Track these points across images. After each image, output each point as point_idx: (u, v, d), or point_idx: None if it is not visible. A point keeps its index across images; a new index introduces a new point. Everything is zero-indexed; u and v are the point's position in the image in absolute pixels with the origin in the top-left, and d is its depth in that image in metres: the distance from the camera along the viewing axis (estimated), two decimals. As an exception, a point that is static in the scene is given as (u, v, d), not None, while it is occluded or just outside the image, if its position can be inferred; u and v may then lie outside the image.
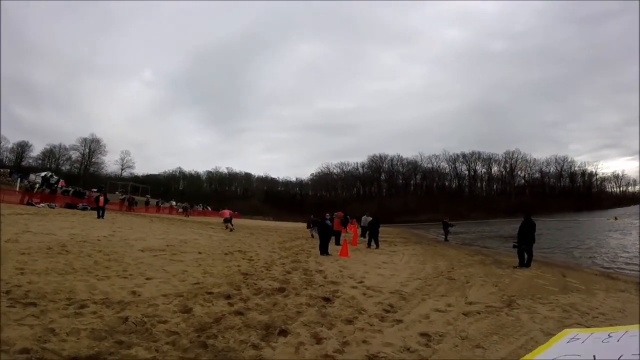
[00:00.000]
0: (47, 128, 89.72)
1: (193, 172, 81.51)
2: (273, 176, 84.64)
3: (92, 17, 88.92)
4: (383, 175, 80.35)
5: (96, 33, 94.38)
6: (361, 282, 6.02)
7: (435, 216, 47.03)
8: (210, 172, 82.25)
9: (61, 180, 39.21)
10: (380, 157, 79.74)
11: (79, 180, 55.25)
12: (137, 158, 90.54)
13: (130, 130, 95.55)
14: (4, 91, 68.35)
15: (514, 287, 6.06)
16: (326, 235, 9.95)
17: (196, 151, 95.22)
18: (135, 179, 66.48)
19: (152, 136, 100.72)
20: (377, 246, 12.18)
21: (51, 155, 68.72)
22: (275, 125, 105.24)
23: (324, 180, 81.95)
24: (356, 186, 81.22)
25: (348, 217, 16.44)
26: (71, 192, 31.27)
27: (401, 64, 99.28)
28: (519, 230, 8.53)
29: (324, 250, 9.58)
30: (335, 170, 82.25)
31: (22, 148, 66.55)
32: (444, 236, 19.27)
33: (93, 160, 70.04)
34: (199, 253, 8.52)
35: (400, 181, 79.23)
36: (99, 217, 16.67)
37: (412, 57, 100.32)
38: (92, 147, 69.57)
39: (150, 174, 75.37)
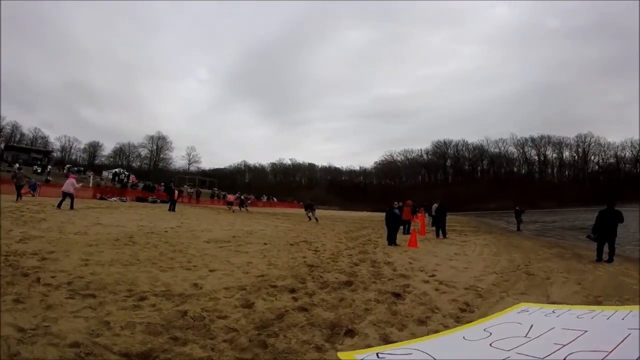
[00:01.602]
0: (115, 128, 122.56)
1: (257, 165, 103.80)
2: (336, 166, 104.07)
3: (142, 21, 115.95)
4: (448, 161, 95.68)
5: (148, 36, 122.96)
6: (433, 275, 6.75)
7: (504, 204, 57.87)
8: (274, 163, 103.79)
9: (132, 175, 46.42)
10: (445, 142, 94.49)
11: (149, 176, 70.18)
12: (203, 153, 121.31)
13: (192, 126, 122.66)
14: (68, 95, 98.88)
15: (599, 285, 6.61)
16: (394, 225, 11.64)
17: (258, 144, 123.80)
18: (203, 173, 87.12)
19: (214, 131, 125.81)
20: (445, 236, 14.37)
21: (121, 153, 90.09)
22: (333, 114, 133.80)
23: (388, 168, 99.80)
24: (421, 173, 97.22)
25: (416, 205, 19.58)
26: (141, 186, 36.60)
27: (451, 46, 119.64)
28: (599, 221, 9.44)
29: (392, 241, 11.20)
30: (399, 158, 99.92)
31: (93, 148, 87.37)
32: (516, 226, 22.02)
33: (161, 156, 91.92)
34: (265, 244, 10.05)
35: (467, 167, 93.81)
36: (170, 209, 20.84)
37: (461, 39, 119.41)
38: (159, 144, 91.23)
39: (217, 168, 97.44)
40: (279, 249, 9.25)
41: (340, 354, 1.41)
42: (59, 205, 15.76)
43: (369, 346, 3.37)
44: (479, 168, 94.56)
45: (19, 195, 18.05)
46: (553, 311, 1.31)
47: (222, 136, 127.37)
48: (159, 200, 29.84)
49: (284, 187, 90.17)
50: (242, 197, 33.63)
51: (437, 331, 3.66)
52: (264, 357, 3.15)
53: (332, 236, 13.37)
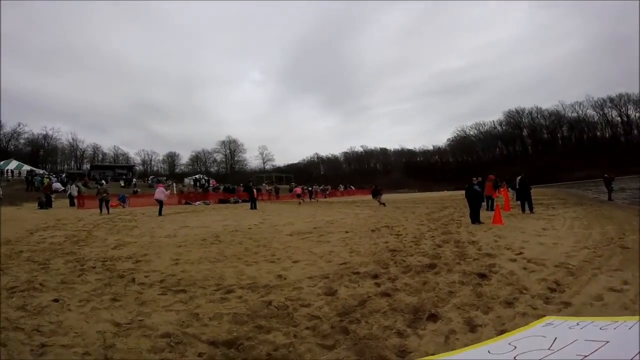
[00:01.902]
0: (188, 138, 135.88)
1: (330, 156, 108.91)
2: (409, 147, 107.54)
3: (186, 36, 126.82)
4: (525, 131, 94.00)
5: (195, 49, 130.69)
6: (520, 253, 6.75)
7: (592, 172, 57.53)
8: (347, 152, 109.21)
9: (212, 180, 49.95)
10: (517, 111, 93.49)
11: (227, 178, 75.32)
12: (275, 151, 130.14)
13: (259, 127, 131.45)
14: (137, 114, 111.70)
15: None
16: (476, 202, 11.77)
17: (327, 135, 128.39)
18: (278, 169, 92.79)
19: (281, 129, 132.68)
20: (531, 210, 14.29)
21: (198, 160, 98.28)
22: (395, 96, 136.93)
23: (462, 144, 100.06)
24: (498, 146, 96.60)
25: (498, 180, 19.79)
26: (222, 188, 39.13)
27: (497, 10, 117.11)
28: None
29: (475, 219, 11.32)
30: (471, 132, 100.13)
31: (171, 158, 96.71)
32: (607, 195, 21.80)
33: (236, 158, 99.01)
34: (346, 232, 10.49)
35: (546, 135, 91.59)
36: (252, 207, 22.30)
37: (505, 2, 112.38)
38: (231, 148, 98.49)
39: (291, 163, 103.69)
40: (361, 236, 9.58)
41: None
42: (160, 213, 18.28)
43: (451, 331, 3.50)
44: (558, 135, 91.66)
45: (102, 208, 19.01)
46: (577, 323, 1.37)
47: (290, 132, 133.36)
48: (240, 200, 31.95)
49: (359, 175, 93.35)
50: (310, 188, 34.42)
51: (524, 314, 3.83)
52: (345, 344, 3.27)
53: (413, 219, 13.73)
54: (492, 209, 14.30)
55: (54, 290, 5.14)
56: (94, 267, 6.51)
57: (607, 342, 1.11)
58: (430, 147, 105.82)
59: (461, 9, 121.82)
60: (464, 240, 8.22)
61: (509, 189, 20.06)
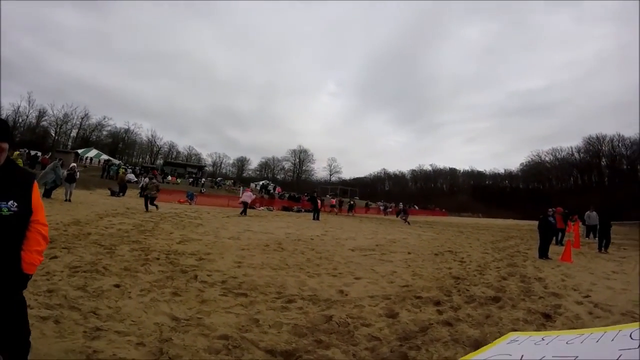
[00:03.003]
0: (260, 144, 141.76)
1: (397, 172, 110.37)
2: (479, 169, 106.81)
3: (268, 49, 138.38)
4: (603, 160, 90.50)
5: (275, 61, 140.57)
6: (587, 296, 6.65)
7: None
8: (414, 170, 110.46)
9: (278, 187, 51.46)
10: (597, 138, 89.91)
11: (292, 187, 78.15)
12: (343, 163, 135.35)
13: (330, 138, 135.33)
14: (215, 118, 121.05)
15: None
16: (549, 235, 11.54)
17: (397, 151, 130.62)
18: (344, 182, 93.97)
19: (351, 141, 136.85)
20: (607, 249, 14.02)
21: (266, 166, 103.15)
22: (470, 115, 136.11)
23: (536, 170, 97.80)
24: (572, 175, 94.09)
25: (568, 213, 19.83)
26: (287, 196, 39.96)
27: (577, 27, 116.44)
28: None
29: (543, 253, 11.07)
30: (547, 158, 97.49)
31: (241, 162, 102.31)
32: None
33: (303, 168, 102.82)
34: (408, 253, 10.60)
35: (625, 167, 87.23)
36: (314, 218, 22.77)
37: (585, 18, 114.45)
38: (301, 157, 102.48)
39: (357, 177, 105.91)
40: (424, 259, 9.69)
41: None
42: (244, 213, 20.70)
43: None
44: (639, 167, 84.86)
45: (147, 205, 17.11)
46: (542, 338, 1.38)
47: (360, 146, 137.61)
48: (303, 210, 32.54)
49: (424, 194, 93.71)
50: (340, 200, 34.70)
51: None
52: (403, 370, 3.27)
53: (477, 246, 13.78)
54: (561, 243, 14.75)
55: (116, 275, 5.41)
56: (157, 259, 6.81)
57: (576, 357, 1.12)
58: (502, 171, 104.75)
59: (543, 26, 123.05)
60: (530, 275, 8.10)
61: (581, 224, 19.90)
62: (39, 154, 39.47)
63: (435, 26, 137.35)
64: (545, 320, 4.98)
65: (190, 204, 25.74)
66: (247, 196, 23.27)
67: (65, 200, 16.18)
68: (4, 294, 1.98)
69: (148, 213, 15.42)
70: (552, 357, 1.16)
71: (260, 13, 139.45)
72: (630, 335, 1.14)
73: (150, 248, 7.75)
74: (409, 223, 26.17)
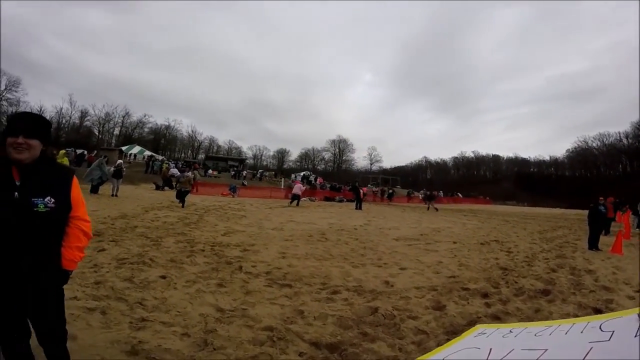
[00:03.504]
0: (299, 136, 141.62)
1: (439, 160, 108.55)
2: (523, 156, 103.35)
3: (301, 40, 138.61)
4: None
5: (310, 52, 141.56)
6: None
7: None
8: (456, 157, 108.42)
9: (319, 177, 51.84)
10: None
11: (333, 177, 77.95)
12: (383, 152, 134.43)
13: (369, 128, 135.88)
14: (253, 111, 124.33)
15: None
16: (599, 226, 11.42)
17: (437, 138, 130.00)
18: (384, 171, 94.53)
19: (390, 130, 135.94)
20: None
21: (306, 157, 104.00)
22: (509, 101, 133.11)
23: (582, 157, 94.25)
24: (621, 162, 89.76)
25: (619, 202, 19.61)
26: (329, 187, 40.06)
27: (614, 10, 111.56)
28: None
29: (593, 244, 10.92)
30: (594, 144, 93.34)
31: (281, 154, 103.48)
32: None
33: (343, 158, 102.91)
34: (454, 243, 10.52)
35: None
36: (357, 208, 23.05)
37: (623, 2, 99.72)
38: (340, 147, 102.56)
39: (398, 166, 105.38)
40: (469, 249, 9.57)
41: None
42: (292, 203, 22.32)
43: None
44: None
45: (183, 200, 15.78)
46: (510, 331, 1.38)
47: (399, 134, 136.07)
48: (345, 200, 32.63)
49: (467, 182, 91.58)
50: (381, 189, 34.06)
51: None
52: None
53: (524, 236, 13.49)
54: (607, 233, 14.49)
55: (163, 267, 5.56)
56: (203, 250, 6.95)
57: (545, 350, 1.10)
58: (547, 158, 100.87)
59: (584, 6, 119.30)
60: (579, 267, 7.87)
61: (632, 214, 19.36)
62: (85, 152, 41.63)
63: (469, 11, 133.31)
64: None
65: (233, 197, 26.35)
66: (298, 188, 24.62)
67: (112, 195, 16.92)
68: (43, 290, 2.01)
69: (192, 206, 15.84)
70: (521, 349, 1.17)
71: (290, 5, 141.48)
72: (600, 327, 1.11)
73: (195, 240, 7.93)
74: (436, 209, 26.90)
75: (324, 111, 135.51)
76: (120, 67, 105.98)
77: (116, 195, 16.89)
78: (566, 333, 1.18)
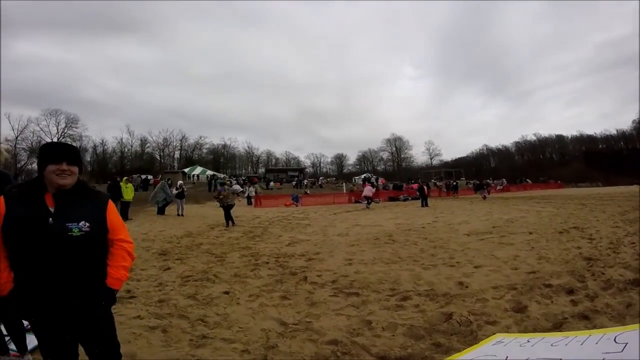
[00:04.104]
0: (354, 139, 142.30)
1: (501, 146, 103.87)
2: (588, 133, 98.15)
3: (332, 44, 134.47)
4: None
5: (343, 55, 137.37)
6: None
7: None
8: (518, 142, 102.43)
9: (381, 178, 51.48)
10: None
11: (395, 176, 77.58)
12: (441, 145, 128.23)
13: (422, 122, 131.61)
14: (304, 121, 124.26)
15: None
16: None
17: (496, 124, 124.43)
18: (445, 164, 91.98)
19: (445, 122, 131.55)
20: None
21: (364, 159, 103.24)
22: (562, 75, 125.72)
23: None
24: None
25: None
26: (391, 186, 39.53)
27: None
28: None
29: None
30: None
31: (339, 159, 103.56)
32: None
33: (402, 156, 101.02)
34: (530, 233, 9.90)
35: None
36: (423, 205, 22.59)
37: None
38: (397, 145, 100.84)
39: (459, 157, 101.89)
40: (547, 239, 8.88)
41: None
42: (367, 206, 23.36)
43: None
44: None
45: (228, 217, 13.86)
46: (528, 340, 1.41)
47: (455, 124, 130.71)
48: (410, 198, 31.94)
49: (534, 166, 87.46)
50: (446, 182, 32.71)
51: None
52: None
53: (605, 219, 12.37)
54: None
55: (226, 282, 5.59)
56: (267, 263, 6.96)
57: (560, 359, 1.15)
58: (614, 132, 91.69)
59: None
60: None
61: None
62: (150, 177, 44.39)
63: None
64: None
65: (296, 206, 26.62)
66: (369, 190, 25.35)
67: (178, 215, 17.59)
68: (92, 314, 2.03)
69: (256, 219, 16.09)
70: (537, 358, 1.21)
71: (315, 9, 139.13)
72: (615, 339, 1.15)
73: (259, 253, 7.98)
74: (484, 197, 27.46)
75: (372, 111, 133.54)
76: (168, 95, 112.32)
77: (182, 215, 17.52)
78: (582, 344, 1.22)
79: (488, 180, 44.56)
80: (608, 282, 5.14)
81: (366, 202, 24.03)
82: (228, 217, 13.93)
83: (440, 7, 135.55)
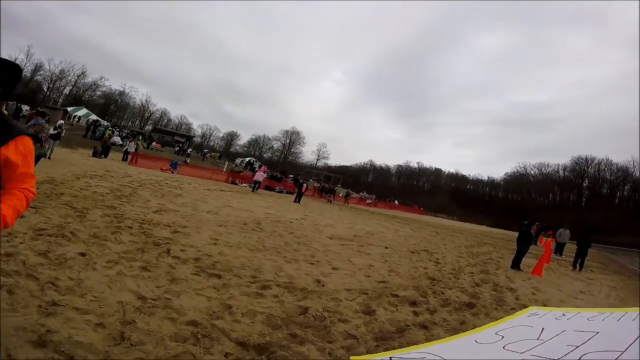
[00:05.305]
0: (252, 121, 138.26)
1: (383, 165, 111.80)
2: (464, 173, 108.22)
3: (285, 31, 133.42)
4: (586, 181, 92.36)
5: (291, 44, 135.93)
6: None
7: (637, 241, 55.20)
8: (401, 165, 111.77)
9: (264, 166, 51.35)
10: (586, 159, 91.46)
11: (277, 167, 76.69)
12: (332, 150, 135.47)
13: (325, 124, 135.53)
14: (215, 91, 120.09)
15: None
16: (525, 247, 11.73)
17: (387, 145, 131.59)
18: (329, 168, 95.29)
19: (345, 130, 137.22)
20: (581, 269, 14.65)
21: (255, 144, 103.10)
22: (466, 120, 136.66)
23: (518, 182, 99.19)
24: (553, 192, 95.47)
25: (543, 227, 21.45)
26: (269, 175, 39.62)
27: (593, 49, 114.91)
28: None
29: (516, 264, 11.36)
30: (532, 172, 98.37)
31: (231, 137, 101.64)
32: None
33: (292, 150, 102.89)
34: (386, 247, 10.61)
35: (605, 191, 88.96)
36: (295, 201, 22.95)
37: (605, 42, 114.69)
38: (292, 138, 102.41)
39: (343, 165, 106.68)
40: (400, 255, 9.68)
41: (353, 358, 1.56)
42: (254, 190, 23.78)
43: None
44: (618, 194, 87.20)
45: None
46: (563, 314, 1.44)
47: (353, 135, 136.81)
48: (284, 191, 32.47)
49: (406, 191, 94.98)
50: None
51: None
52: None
53: (452, 249, 14.01)
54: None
55: (84, 242, 5.04)
56: (130, 227, 6.47)
57: (597, 332, 1.14)
58: (485, 178, 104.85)
59: (558, 42, 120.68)
60: (502, 284, 8.11)
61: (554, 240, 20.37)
62: (27, 108, 37.94)
63: (453, 27, 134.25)
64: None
65: (172, 173, 25.16)
66: (260, 175, 26.30)
67: (45, 157, 15.40)
68: None
69: (127, 178, 14.81)
70: (574, 331, 1.23)
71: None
72: None
73: (124, 215, 7.37)
74: (330, 201, 30.28)
75: (286, 101, 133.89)
76: (94, 27, 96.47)
77: (49, 158, 15.26)
78: (618, 320, 1.25)
79: (349, 190, 47.01)
80: (446, 301, 5.73)
81: (254, 185, 24.52)
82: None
83: (398, 32, 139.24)
